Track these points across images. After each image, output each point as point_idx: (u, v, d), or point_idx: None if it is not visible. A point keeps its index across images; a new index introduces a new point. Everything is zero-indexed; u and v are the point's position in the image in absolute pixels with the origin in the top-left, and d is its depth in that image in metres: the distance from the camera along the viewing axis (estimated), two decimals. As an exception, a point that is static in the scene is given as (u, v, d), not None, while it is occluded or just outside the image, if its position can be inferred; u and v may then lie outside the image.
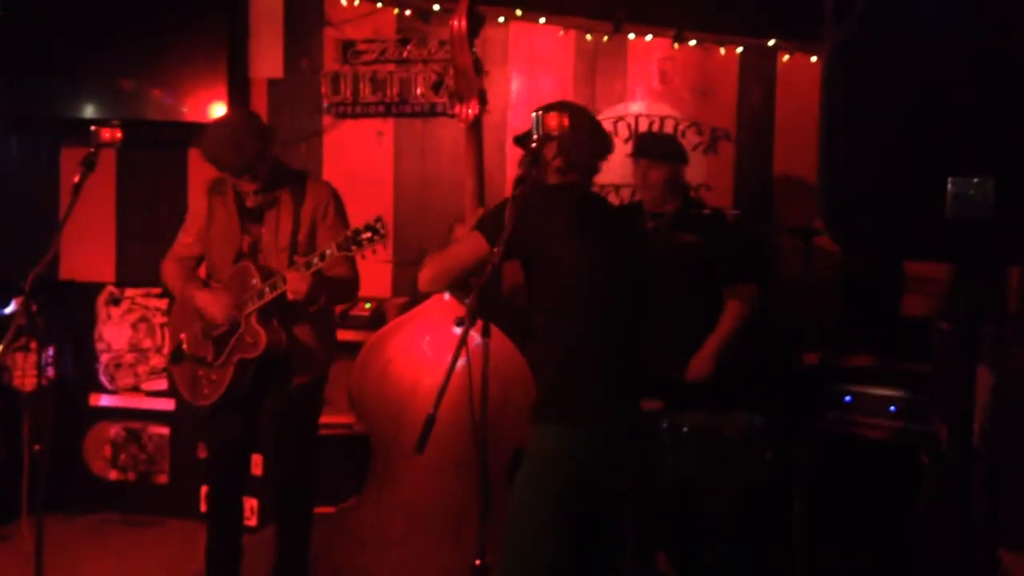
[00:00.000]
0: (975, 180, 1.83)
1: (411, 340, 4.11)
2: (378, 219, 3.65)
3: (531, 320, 3.33)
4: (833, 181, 1.97)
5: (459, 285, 3.61)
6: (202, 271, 4.23)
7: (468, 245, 3.28)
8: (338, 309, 4.90)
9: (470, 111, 3.70)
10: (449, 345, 4.01)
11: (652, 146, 4.45)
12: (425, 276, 3.40)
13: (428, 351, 4.08)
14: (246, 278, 3.95)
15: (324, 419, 4.35)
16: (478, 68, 3.73)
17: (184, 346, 4.10)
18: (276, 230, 3.99)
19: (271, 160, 4.00)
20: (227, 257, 4.04)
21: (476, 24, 3.82)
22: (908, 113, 1.90)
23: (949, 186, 1.85)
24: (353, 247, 3.66)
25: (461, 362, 2.84)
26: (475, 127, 3.69)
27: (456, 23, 3.74)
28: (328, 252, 3.72)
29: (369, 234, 3.63)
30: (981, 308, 2.03)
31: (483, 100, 3.88)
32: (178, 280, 4.17)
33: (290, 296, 3.79)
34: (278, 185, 4.01)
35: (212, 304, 4.00)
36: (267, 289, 3.84)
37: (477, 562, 3.06)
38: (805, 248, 4.42)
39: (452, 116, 3.97)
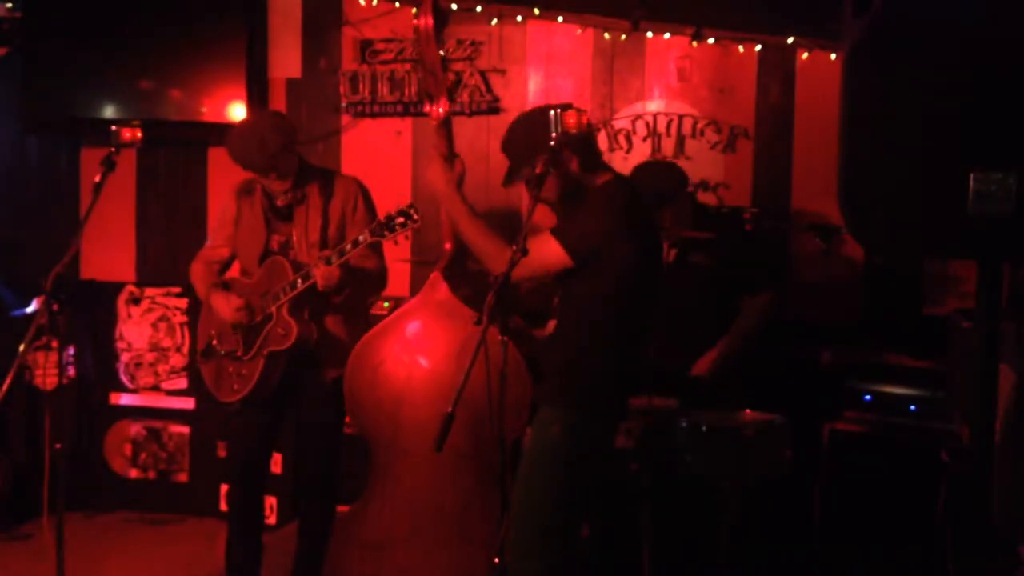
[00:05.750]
0: (997, 176, 1.82)
1: (401, 339, 4.12)
2: (411, 205, 3.67)
3: (547, 304, 3.35)
4: (853, 178, 1.96)
5: (458, 274, 3.64)
6: (236, 270, 4.27)
7: (546, 253, 3.21)
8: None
9: (440, 109, 3.70)
10: (438, 341, 4.05)
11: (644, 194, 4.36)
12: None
13: (418, 349, 4.09)
14: (278, 271, 3.98)
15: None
16: (445, 66, 3.73)
17: (215, 342, 4.13)
18: (306, 227, 4.02)
19: (296, 158, 4.03)
20: (254, 257, 4.08)
21: (442, 22, 3.82)
22: (928, 109, 1.88)
23: (971, 182, 1.83)
24: (386, 232, 3.68)
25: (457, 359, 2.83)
26: (445, 125, 3.68)
27: (422, 21, 3.73)
28: (362, 238, 3.74)
29: (402, 219, 3.65)
30: (1002, 305, 2.02)
31: (452, 97, 3.88)
32: (201, 283, 4.23)
33: (320, 285, 3.80)
34: (306, 183, 4.04)
35: (222, 305, 4.06)
36: (299, 280, 3.87)
37: (496, 560, 3.06)
38: (825, 246, 4.40)
39: (428, 115, 3.95)
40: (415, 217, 3.65)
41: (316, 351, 4.04)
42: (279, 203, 4.06)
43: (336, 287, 3.84)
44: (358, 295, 4.16)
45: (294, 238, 4.05)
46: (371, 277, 4.08)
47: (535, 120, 3.29)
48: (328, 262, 3.78)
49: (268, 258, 4.05)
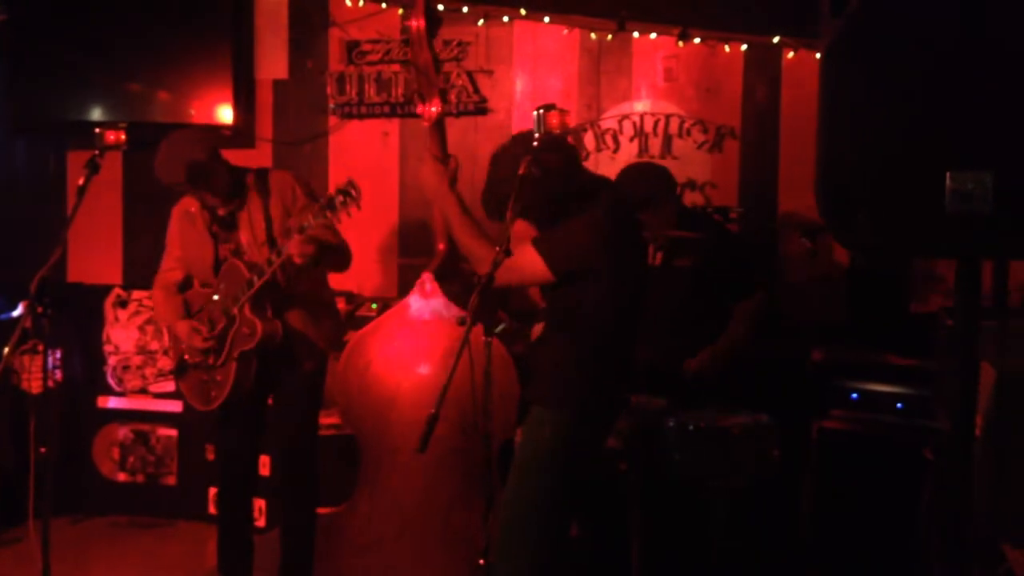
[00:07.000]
0: (973, 174, 1.82)
1: (390, 339, 4.12)
2: (348, 181, 3.63)
3: (535, 306, 3.35)
4: (832, 178, 1.96)
5: (447, 276, 3.64)
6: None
7: (528, 265, 3.21)
8: (344, 309, 4.92)
9: (432, 109, 3.70)
10: (428, 342, 4.06)
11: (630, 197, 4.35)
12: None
13: (408, 350, 4.09)
14: (234, 274, 3.99)
15: (322, 419, 4.36)
16: (438, 67, 3.73)
17: (186, 357, 4.13)
18: (252, 229, 4.02)
19: (226, 170, 4.01)
20: (207, 270, 4.12)
21: (435, 23, 3.82)
22: (906, 108, 1.89)
23: (948, 181, 1.84)
24: (328, 212, 3.64)
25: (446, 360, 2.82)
26: (438, 126, 3.68)
27: (414, 23, 3.74)
28: (306, 224, 3.71)
29: (342, 197, 3.62)
30: (982, 303, 2.02)
31: (444, 98, 3.88)
32: (164, 310, 4.24)
33: (298, 260, 3.77)
34: (242, 188, 4.04)
35: (187, 337, 4.08)
36: (255, 278, 3.87)
37: (481, 561, 3.06)
38: (811, 246, 4.40)
39: (420, 116, 3.94)
40: (354, 194, 3.59)
41: (287, 348, 4.04)
42: (221, 213, 4.06)
43: (313, 258, 3.78)
44: (320, 283, 4.16)
45: (243, 243, 4.05)
46: (337, 250, 4.03)
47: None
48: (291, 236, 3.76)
49: (222, 265, 4.06)
